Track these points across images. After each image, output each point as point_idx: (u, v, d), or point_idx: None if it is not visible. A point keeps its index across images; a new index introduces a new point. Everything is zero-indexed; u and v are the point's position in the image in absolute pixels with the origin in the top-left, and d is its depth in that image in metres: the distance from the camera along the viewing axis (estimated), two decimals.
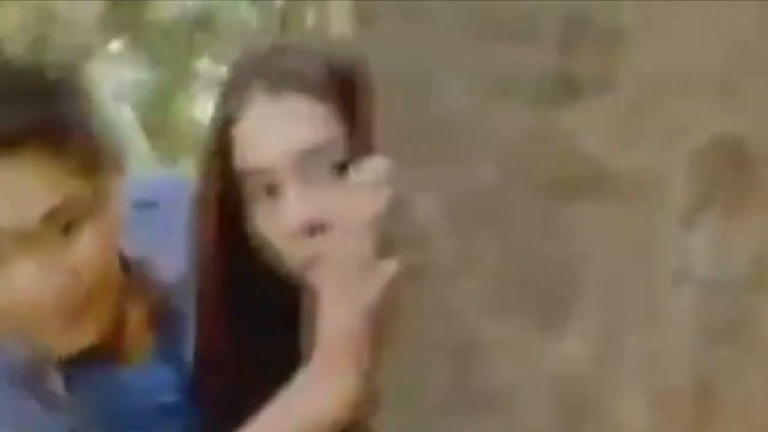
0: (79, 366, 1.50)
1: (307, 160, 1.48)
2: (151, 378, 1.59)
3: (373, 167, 1.19)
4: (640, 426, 1.04)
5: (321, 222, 1.46)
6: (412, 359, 1.10)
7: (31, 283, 1.39)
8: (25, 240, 1.39)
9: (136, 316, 1.57)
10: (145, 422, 1.56)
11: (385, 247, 1.17)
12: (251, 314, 1.56)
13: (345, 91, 1.50)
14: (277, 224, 1.49)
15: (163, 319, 1.61)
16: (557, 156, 1.03)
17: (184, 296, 1.62)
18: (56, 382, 1.49)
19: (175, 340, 1.61)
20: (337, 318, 1.21)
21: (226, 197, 1.53)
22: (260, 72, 1.53)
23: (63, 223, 1.40)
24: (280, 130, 1.50)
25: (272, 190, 1.50)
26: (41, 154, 1.38)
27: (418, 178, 1.11)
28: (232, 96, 1.54)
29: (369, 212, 1.18)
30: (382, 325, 1.18)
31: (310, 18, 5.34)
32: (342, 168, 1.48)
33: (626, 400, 1.05)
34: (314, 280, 1.44)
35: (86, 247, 1.42)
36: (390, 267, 1.16)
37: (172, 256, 1.58)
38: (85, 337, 1.46)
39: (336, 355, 1.20)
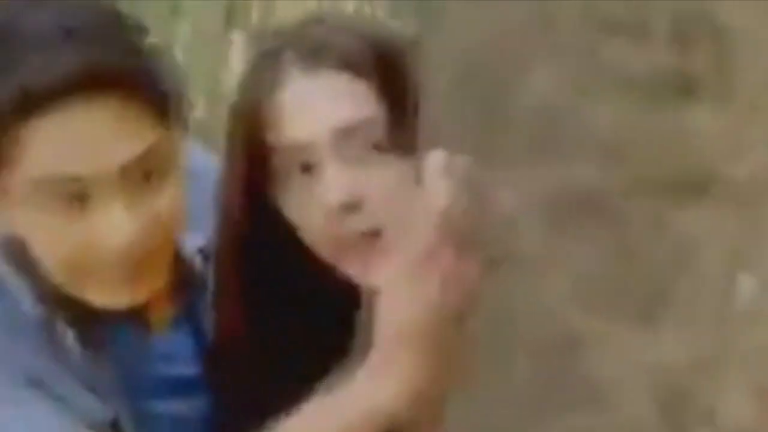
0: (101, 324, 1.46)
1: (345, 138, 1.43)
2: (171, 347, 1.55)
3: (439, 160, 1.17)
4: (741, 417, 1.03)
5: (360, 201, 1.42)
6: (506, 355, 1.08)
7: (114, 225, 1.36)
8: (110, 183, 1.36)
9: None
10: (161, 391, 1.53)
11: (458, 242, 1.15)
12: (271, 294, 1.52)
13: (386, 68, 1.45)
14: (312, 202, 1.45)
15: (186, 289, 1.58)
16: (667, 156, 1.01)
17: (208, 269, 1.59)
18: (67, 335, 1.44)
19: (196, 312, 1.58)
20: (398, 314, 1.19)
21: (255, 171, 1.47)
22: (297, 44, 1.47)
23: (142, 172, 1.38)
24: (318, 107, 1.44)
25: (308, 168, 1.45)
26: (124, 102, 1.35)
27: (510, 173, 1.09)
28: (266, 68, 1.48)
29: (436, 207, 1.15)
30: (454, 320, 1.16)
31: (255, 13, 5.28)
32: (381, 147, 1.44)
33: (727, 393, 1.03)
34: (356, 267, 1.43)
35: (166, 197, 1.40)
36: (462, 263, 1.13)
37: (199, 228, 1.54)
38: (137, 293, 1.43)
39: (396, 351, 1.18)
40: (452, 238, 1.17)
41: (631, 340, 1.05)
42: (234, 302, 1.54)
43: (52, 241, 1.37)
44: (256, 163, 1.47)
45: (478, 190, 1.15)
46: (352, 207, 1.42)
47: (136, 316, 1.51)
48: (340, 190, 1.42)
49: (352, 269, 1.46)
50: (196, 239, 1.57)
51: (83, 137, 1.34)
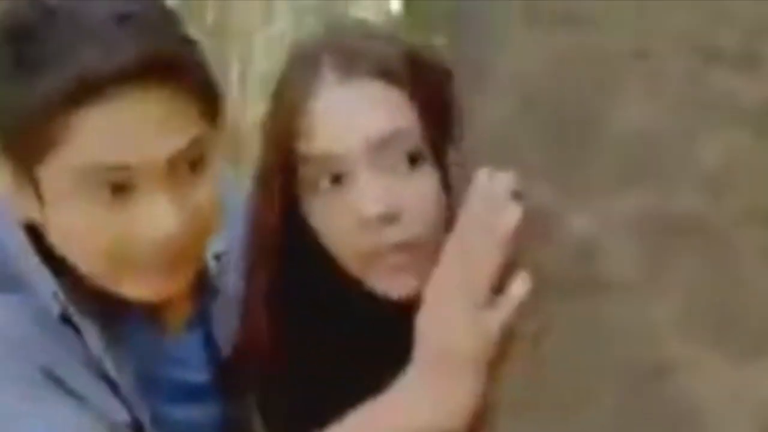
0: (120, 322, 1.46)
1: (381, 148, 1.42)
2: (184, 352, 1.56)
3: (507, 183, 1.16)
4: None
5: (397, 212, 1.42)
6: (597, 381, 1.07)
7: (158, 216, 1.36)
8: (157, 174, 1.36)
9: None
10: (177, 396, 1.53)
11: (518, 264, 1.15)
12: (299, 305, 1.52)
13: (421, 77, 1.45)
14: (343, 213, 1.44)
15: (200, 293, 1.57)
16: None
17: (224, 274, 1.59)
18: (90, 332, 1.43)
19: (208, 319, 1.58)
20: (454, 333, 1.18)
21: (286, 181, 1.46)
22: (332, 52, 1.46)
23: (187, 164, 1.38)
24: (353, 116, 1.43)
25: (338, 179, 1.44)
26: (174, 91, 1.35)
27: (594, 199, 1.08)
28: (301, 75, 1.46)
29: (502, 229, 1.15)
30: (512, 340, 1.16)
31: (210, 15, 5.24)
32: (416, 157, 1.41)
33: None
34: (384, 280, 1.43)
35: (205, 191, 1.40)
36: (520, 285, 1.12)
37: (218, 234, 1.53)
38: (170, 287, 1.43)
39: (448, 370, 1.17)
40: (516, 261, 1.16)
41: (732, 371, 1.04)
42: (262, 312, 1.53)
43: (93, 231, 1.37)
44: (287, 172, 1.46)
45: (550, 214, 1.14)
46: (388, 218, 1.42)
47: (153, 316, 1.51)
48: (377, 201, 1.41)
49: (379, 283, 1.45)
50: (215, 245, 1.56)
51: (134, 126, 1.33)
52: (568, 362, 1.10)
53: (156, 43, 1.34)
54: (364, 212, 1.42)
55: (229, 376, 1.58)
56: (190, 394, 1.56)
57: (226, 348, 1.59)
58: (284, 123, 1.46)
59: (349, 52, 1.45)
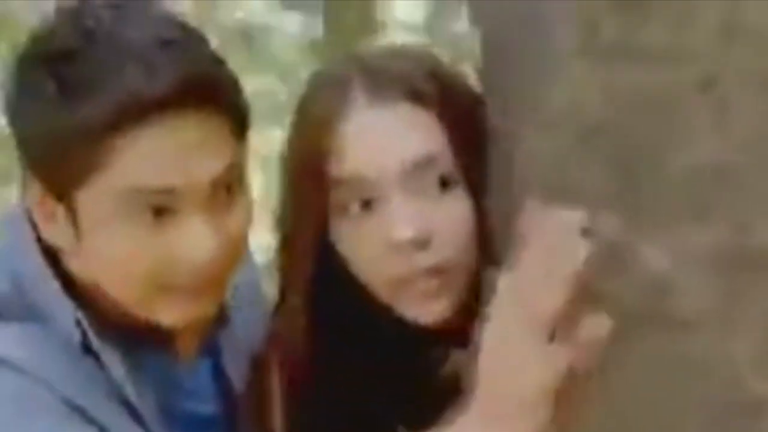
0: (135, 348, 1.45)
1: (413, 172, 1.41)
2: (194, 382, 1.54)
3: (575, 218, 1.15)
4: None
5: (428, 237, 1.40)
6: (678, 419, 1.07)
7: (198, 239, 1.36)
8: (199, 197, 1.36)
9: None
10: (184, 427, 1.50)
11: (590, 300, 1.13)
12: (328, 329, 1.49)
13: (451, 99, 1.44)
14: (373, 238, 1.43)
15: (212, 322, 1.55)
16: None
17: (238, 307, 1.58)
18: (114, 360, 1.42)
19: (217, 349, 1.56)
20: (517, 372, 1.17)
21: (317, 204, 1.44)
22: (363, 73, 1.44)
23: (225, 187, 1.39)
24: (385, 140, 1.42)
25: (369, 203, 1.42)
26: (213, 113, 1.36)
27: (666, 233, 1.08)
28: (332, 96, 1.44)
29: (570, 265, 1.14)
30: (583, 378, 1.14)
31: None
32: (448, 182, 1.41)
33: None
34: (413, 306, 1.42)
35: (238, 214, 1.40)
36: (592, 322, 1.11)
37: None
38: (201, 311, 1.43)
39: (512, 409, 1.16)
40: (587, 296, 1.15)
41: None
42: (303, 341, 1.50)
43: (133, 254, 1.36)
44: (319, 195, 1.44)
45: (622, 248, 1.13)
46: (420, 243, 1.41)
47: (165, 344, 1.49)
48: (408, 226, 1.40)
49: (409, 309, 1.44)
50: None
51: (177, 149, 1.33)
52: (646, 399, 1.09)
53: (196, 67, 1.34)
54: (396, 236, 1.40)
55: (240, 411, 1.55)
56: (200, 426, 1.54)
57: (236, 380, 1.57)
58: (314, 145, 1.44)
59: (379, 73, 1.44)
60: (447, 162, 1.42)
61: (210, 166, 1.35)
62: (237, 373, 1.56)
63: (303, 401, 1.52)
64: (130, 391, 1.43)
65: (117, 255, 1.37)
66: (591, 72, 1.17)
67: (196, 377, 1.54)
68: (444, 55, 1.51)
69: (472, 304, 1.45)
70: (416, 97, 1.42)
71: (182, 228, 1.36)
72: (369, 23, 6.47)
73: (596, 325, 1.14)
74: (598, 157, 1.16)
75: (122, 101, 1.30)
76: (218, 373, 1.56)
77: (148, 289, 1.38)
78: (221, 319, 1.56)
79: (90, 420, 1.37)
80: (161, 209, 1.35)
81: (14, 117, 1.37)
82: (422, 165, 1.41)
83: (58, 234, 1.39)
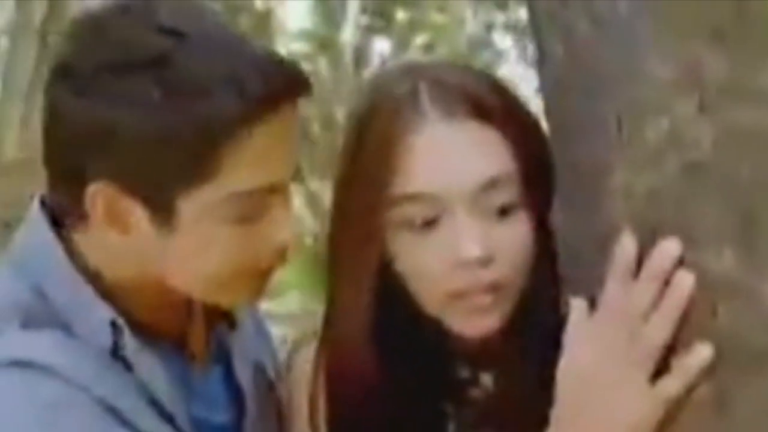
0: (157, 348, 1.45)
1: (482, 191, 1.42)
2: (207, 388, 1.54)
3: (666, 253, 1.17)
4: None
5: (492, 255, 1.42)
6: None
7: (281, 227, 1.41)
8: (286, 191, 1.41)
9: (198, 314, 1.53)
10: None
11: (696, 332, 1.17)
12: (381, 339, 1.50)
13: (515, 117, 1.45)
14: (436, 254, 1.43)
15: (222, 329, 1.57)
16: None
17: (242, 313, 1.59)
18: (154, 364, 1.44)
19: (227, 356, 1.57)
20: (619, 402, 1.22)
21: (379, 217, 1.44)
22: (429, 85, 1.44)
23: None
24: (455, 158, 1.42)
25: (434, 219, 1.41)
26: (294, 113, 1.40)
27: None
28: (398, 107, 1.44)
29: (675, 302, 1.18)
30: (682, 408, 1.18)
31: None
32: (512, 202, 1.43)
33: None
34: (463, 320, 1.44)
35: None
36: (695, 354, 1.14)
37: None
38: (259, 292, 1.47)
39: None
40: (693, 328, 1.17)
41: None
42: (367, 348, 1.48)
43: (227, 246, 1.37)
44: (381, 209, 1.43)
45: (737, 282, 1.16)
46: (485, 261, 1.41)
47: (181, 346, 1.50)
48: (476, 244, 1.42)
49: (458, 321, 1.46)
50: None
51: (280, 145, 1.37)
52: None
53: (283, 60, 1.37)
54: (463, 254, 1.41)
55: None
56: None
57: (246, 388, 1.56)
58: (381, 159, 1.43)
59: (447, 87, 1.44)
60: (512, 182, 1.43)
61: (293, 162, 1.41)
62: (246, 380, 1.57)
63: (351, 409, 1.51)
64: (162, 394, 1.43)
65: (216, 249, 1.38)
66: (694, 108, 1.19)
67: (209, 383, 1.54)
68: None
69: (513, 325, 1.47)
70: (483, 114, 1.43)
71: (273, 214, 1.39)
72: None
73: (698, 356, 1.16)
74: (705, 194, 1.17)
75: (243, 95, 1.32)
76: (229, 381, 1.56)
77: (230, 274, 1.40)
78: (231, 322, 1.56)
79: (126, 422, 1.37)
80: (259, 202, 1.38)
81: (98, 125, 1.34)
82: (490, 186, 1.42)
83: (131, 237, 1.38)
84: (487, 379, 1.54)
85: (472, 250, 1.40)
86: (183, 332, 1.51)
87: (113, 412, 1.37)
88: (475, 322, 1.45)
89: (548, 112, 1.38)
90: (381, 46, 12.33)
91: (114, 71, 1.32)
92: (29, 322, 1.38)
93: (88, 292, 1.40)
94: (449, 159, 1.41)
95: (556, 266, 1.37)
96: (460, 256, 1.41)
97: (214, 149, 1.32)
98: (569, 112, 1.31)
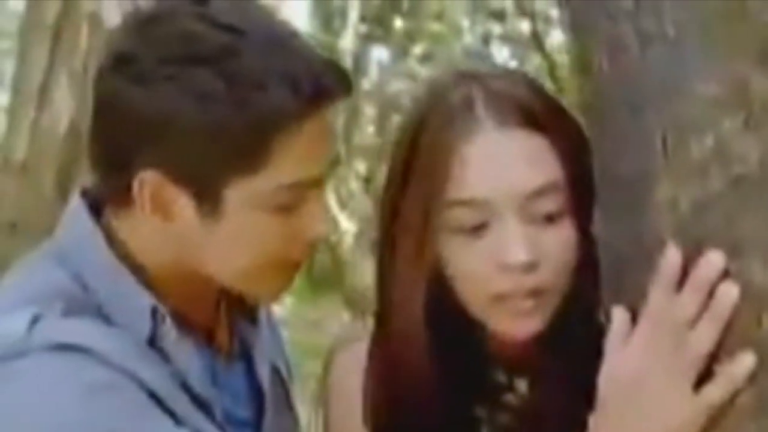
0: (188, 336, 1.49)
1: (532, 199, 1.47)
2: (231, 381, 1.57)
3: (712, 265, 1.20)
4: None
5: (538, 261, 1.47)
6: None
7: (319, 217, 1.46)
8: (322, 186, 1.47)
9: (223, 309, 1.58)
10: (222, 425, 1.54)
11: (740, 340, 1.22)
12: (439, 344, 1.54)
13: (562, 124, 1.50)
14: (483, 258, 1.48)
15: (244, 325, 1.61)
16: None
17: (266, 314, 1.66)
18: (185, 350, 1.47)
19: (251, 349, 1.61)
20: (661, 411, 1.26)
21: (426, 222, 1.49)
22: (484, 94, 1.49)
23: None
24: (507, 166, 1.47)
25: (483, 224, 1.46)
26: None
27: None
28: (453, 116, 1.48)
29: (718, 314, 1.22)
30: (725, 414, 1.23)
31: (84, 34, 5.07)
32: (559, 209, 1.47)
33: None
34: (506, 322, 1.49)
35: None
36: (739, 363, 1.21)
37: None
38: (291, 283, 1.52)
39: None
40: (737, 336, 1.21)
41: None
42: (419, 350, 1.53)
43: (267, 237, 1.43)
44: (425, 215, 1.47)
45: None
46: (530, 266, 1.45)
47: (208, 338, 1.54)
48: (523, 250, 1.47)
49: (501, 323, 1.50)
50: None
51: (325, 140, 1.44)
52: None
53: (334, 63, 1.45)
54: (510, 260, 1.46)
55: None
56: (235, 428, 1.56)
57: (265, 384, 1.61)
58: (436, 164, 1.48)
59: (501, 96, 1.49)
60: (559, 190, 1.48)
61: (330, 157, 1.48)
62: (265, 378, 1.61)
63: (398, 408, 1.55)
64: (198, 384, 1.47)
65: (254, 238, 1.43)
66: (740, 125, 1.23)
67: (233, 378, 1.58)
68: None
69: (551, 332, 1.51)
70: (534, 122, 1.48)
71: (309, 206, 1.45)
72: None
73: (741, 365, 1.20)
74: (750, 207, 1.21)
75: (297, 92, 1.38)
76: (251, 377, 1.61)
77: (264, 263, 1.45)
78: (252, 318, 1.61)
79: (166, 408, 1.41)
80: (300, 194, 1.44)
81: (156, 114, 1.39)
82: (539, 194, 1.47)
83: (173, 225, 1.43)
84: (522, 384, 1.58)
85: (519, 255, 1.46)
86: (211, 325, 1.55)
87: (154, 397, 1.41)
88: (517, 324, 1.50)
89: (590, 124, 1.42)
90: (379, 54, 12.36)
91: (177, 62, 1.38)
92: (70, 310, 1.42)
93: (128, 280, 1.45)
94: (501, 167, 1.47)
95: (596, 275, 1.41)
96: (506, 260, 1.46)
97: (265, 142, 1.39)
98: (613, 126, 1.35)
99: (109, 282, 1.45)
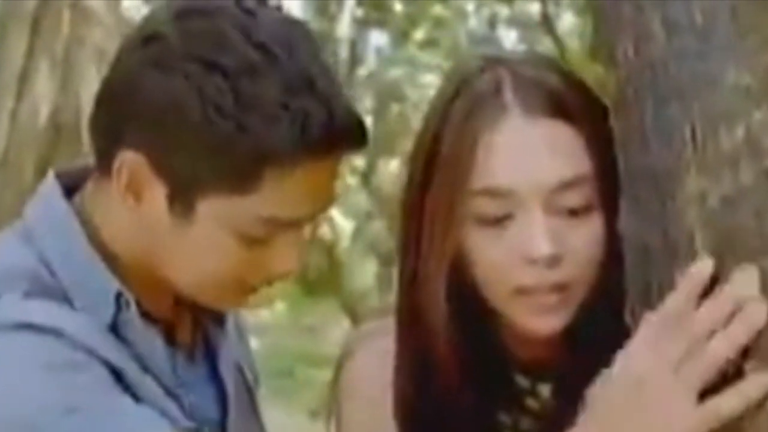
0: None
1: (558, 191, 1.52)
2: (194, 379, 1.65)
3: (748, 281, 1.29)
4: None
5: (563, 255, 1.51)
6: None
7: (290, 258, 1.54)
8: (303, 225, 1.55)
9: (186, 307, 1.65)
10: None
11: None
12: (462, 342, 1.59)
13: (592, 114, 1.53)
14: (507, 249, 1.53)
15: (210, 324, 1.69)
16: None
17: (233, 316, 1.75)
18: (150, 337, 1.56)
19: (216, 350, 1.69)
20: (671, 420, 1.32)
21: (451, 211, 1.54)
22: (512, 82, 1.54)
23: None
24: (534, 156, 1.52)
25: (508, 215, 1.52)
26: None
27: None
28: (482, 104, 1.53)
29: (747, 328, 1.28)
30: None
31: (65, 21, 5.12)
32: (587, 203, 1.52)
33: None
34: (526, 316, 1.54)
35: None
36: (752, 381, 1.28)
37: None
38: (232, 306, 1.63)
39: None
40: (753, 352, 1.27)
41: None
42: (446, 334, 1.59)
43: (228, 264, 1.51)
44: (451, 203, 1.52)
45: None
46: (555, 260, 1.51)
47: (168, 333, 1.62)
48: (547, 243, 1.51)
49: (522, 318, 1.54)
50: None
51: (318, 187, 1.50)
52: None
53: (355, 110, 1.51)
54: (534, 252, 1.51)
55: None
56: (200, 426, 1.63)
57: (229, 386, 1.68)
58: (462, 152, 1.53)
59: (530, 84, 1.53)
60: (587, 183, 1.52)
61: (325, 204, 1.54)
62: (229, 381, 1.69)
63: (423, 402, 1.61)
64: (162, 370, 1.56)
65: (216, 257, 1.51)
66: None
67: (197, 377, 1.66)
68: None
69: (574, 334, 1.56)
70: (563, 112, 1.52)
71: (282, 243, 1.52)
72: None
73: (754, 384, 1.27)
74: None
75: (304, 134, 1.44)
76: (215, 378, 1.68)
77: (221, 283, 1.53)
78: (218, 318, 1.69)
79: (129, 386, 1.50)
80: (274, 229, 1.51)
81: (165, 99, 1.46)
82: (567, 187, 1.52)
83: (142, 213, 1.51)
84: (544, 389, 1.63)
85: (543, 248, 1.50)
86: (172, 321, 1.63)
87: (119, 377, 1.49)
88: (539, 320, 1.54)
89: (614, 115, 1.47)
90: (377, 39, 12.39)
91: (199, 63, 1.45)
92: (33, 291, 1.50)
93: (97, 264, 1.54)
94: (528, 156, 1.51)
95: (620, 273, 1.46)
96: (531, 253, 1.51)
97: (256, 171, 1.45)
98: (640, 116, 1.40)
99: (76, 264, 1.53)
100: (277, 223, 1.49)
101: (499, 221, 1.53)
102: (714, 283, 1.31)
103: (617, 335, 1.44)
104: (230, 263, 1.51)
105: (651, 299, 1.39)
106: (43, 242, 1.54)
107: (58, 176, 1.59)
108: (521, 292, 1.53)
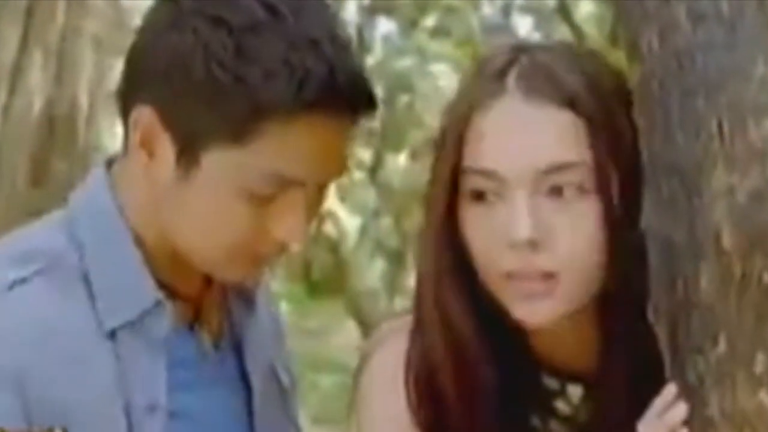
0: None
1: (546, 175, 1.57)
2: (221, 368, 1.72)
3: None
4: None
5: (545, 240, 1.56)
6: None
7: (295, 224, 1.59)
8: (308, 190, 1.60)
9: (215, 291, 1.72)
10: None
11: None
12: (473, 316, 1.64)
13: (603, 106, 1.58)
14: (494, 231, 1.58)
15: (238, 306, 1.76)
16: None
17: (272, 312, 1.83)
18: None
19: (242, 337, 1.75)
20: None
21: (451, 188, 1.61)
22: (525, 65, 1.60)
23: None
24: (525, 138, 1.57)
25: (496, 196, 1.58)
26: (353, 125, 1.61)
27: None
28: (481, 85, 1.60)
29: None
30: None
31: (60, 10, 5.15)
32: (580, 190, 1.57)
33: None
34: (520, 305, 1.58)
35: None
36: None
37: None
38: (244, 276, 1.68)
39: None
40: None
41: None
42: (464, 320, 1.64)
43: (231, 225, 1.58)
44: (450, 183, 1.58)
45: None
46: (537, 244, 1.56)
47: (191, 324, 1.69)
48: (527, 227, 1.55)
49: (513, 306, 1.59)
50: None
51: (318, 147, 1.56)
52: None
53: (363, 74, 1.58)
54: (514, 234, 1.56)
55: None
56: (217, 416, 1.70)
57: (256, 376, 1.74)
58: (458, 129, 1.60)
59: (538, 69, 1.58)
60: (582, 170, 1.56)
61: (331, 173, 1.61)
62: (256, 377, 1.74)
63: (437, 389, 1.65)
64: (148, 383, 1.62)
65: (220, 220, 1.59)
66: None
67: (223, 364, 1.72)
68: None
69: (601, 334, 1.60)
70: (571, 103, 1.57)
71: (284, 207, 1.59)
72: None
73: None
74: None
75: (302, 90, 1.51)
76: (241, 369, 1.74)
77: (227, 248, 1.60)
78: (248, 300, 1.76)
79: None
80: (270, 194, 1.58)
81: (162, 57, 1.57)
82: (557, 171, 1.56)
83: (156, 172, 1.60)
84: (575, 391, 1.68)
85: (522, 231, 1.55)
86: (199, 300, 1.69)
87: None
88: (525, 308, 1.58)
89: (639, 108, 1.51)
90: (385, 27, 12.40)
91: (206, 18, 1.55)
92: (45, 270, 1.59)
93: (134, 264, 1.62)
94: (519, 138, 1.57)
95: (644, 271, 1.50)
96: (511, 235, 1.56)
97: (256, 122, 1.53)
98: (664, 110, 1.45)
99: (111, 257, 1.62)
100: (282, 181, 1.56)
101: (491, 203, 1.58)
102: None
103: (644, 334, 1.50)
104: (235, 225, 1.58)
105: (676, 296, 1.43)
106: (79, 229, 1.63)
107: (108, 165, 1.68)
108: (508, 277, 1.58)
